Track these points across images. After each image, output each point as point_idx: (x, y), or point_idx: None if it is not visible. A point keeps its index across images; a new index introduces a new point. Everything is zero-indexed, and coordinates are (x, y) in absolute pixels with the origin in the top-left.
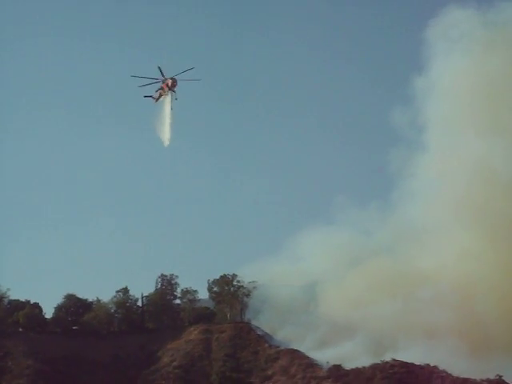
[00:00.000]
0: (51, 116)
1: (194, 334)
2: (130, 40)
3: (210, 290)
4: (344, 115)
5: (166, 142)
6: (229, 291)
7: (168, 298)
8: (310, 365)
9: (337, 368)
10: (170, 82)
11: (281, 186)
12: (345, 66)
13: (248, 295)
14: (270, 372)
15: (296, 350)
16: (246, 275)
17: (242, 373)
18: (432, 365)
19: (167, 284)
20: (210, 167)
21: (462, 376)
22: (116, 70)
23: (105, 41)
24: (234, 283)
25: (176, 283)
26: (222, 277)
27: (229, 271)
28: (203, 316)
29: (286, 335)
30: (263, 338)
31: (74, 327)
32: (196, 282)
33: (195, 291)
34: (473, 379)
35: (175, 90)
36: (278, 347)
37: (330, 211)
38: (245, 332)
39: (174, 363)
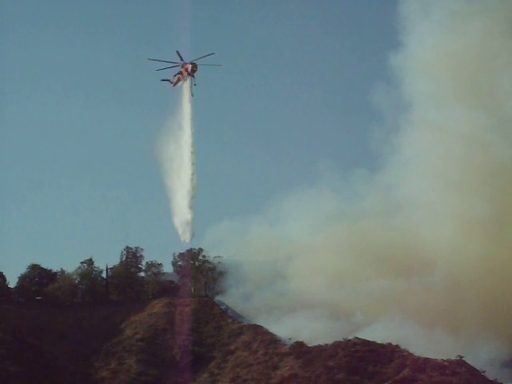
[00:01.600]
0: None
1: (157, 307)
2: (145, 24)
3: (174, 263)
4: (326, 89)
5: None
6: (194, 265)
7: (132, 270)
8: (273, 341)
9: (299, 345)
10: (189, 67)
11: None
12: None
13: (213, 270)
14: (232, 347)
15: (259, 326)
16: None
17: (205, 347)
18: (394, 344)
19: (132, 256)
20: None
21: (423, 356)
22: (132, 54)
23: (120, 25)
24: (200, 258)
25: (141, 256)
26: (187, 251)
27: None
28: (167, 289)
29: (251, 311)
30: (227, 313)
31: (38, 297)
32: (161, 255)
33: (160, 264)
34: (434, 359)
35: (195, 75)
36: (242, 323)
37: (314, 175)
38: (208, 307)
39: (137, 336)
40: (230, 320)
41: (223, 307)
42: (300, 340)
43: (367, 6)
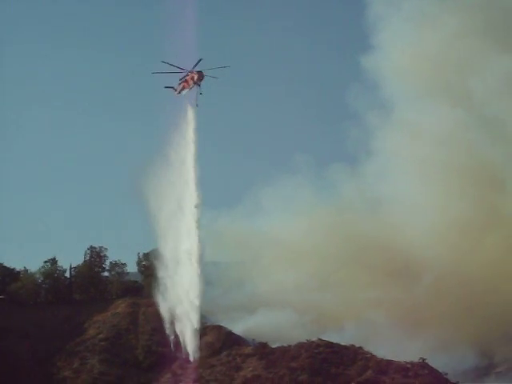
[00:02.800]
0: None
1: (121, 307)
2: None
3: (139, 263)
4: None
5: None
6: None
7: (96, 270)
8: (237, 342)
9: (262, 346)
10: (195, 76)
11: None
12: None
13: None
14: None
15: (223, 327)
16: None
17: (168, 347)
18: (357, 346)
19: (96, 256)
20: None
21: (386, 358)
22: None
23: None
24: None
25: (105, 256)
26: (152, 251)
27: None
28: (131, 289)
29: (216, 311)
30: None
31: (1, 296)
32: (125, 255)
33: (124, 264)
34: (397, 361)
35: (200, 84)
36: (205, 323)
37: (292, 169)
38: None
39: (100, 335)
40: None
41: None
42: (263, 341)
43: (336, 9)
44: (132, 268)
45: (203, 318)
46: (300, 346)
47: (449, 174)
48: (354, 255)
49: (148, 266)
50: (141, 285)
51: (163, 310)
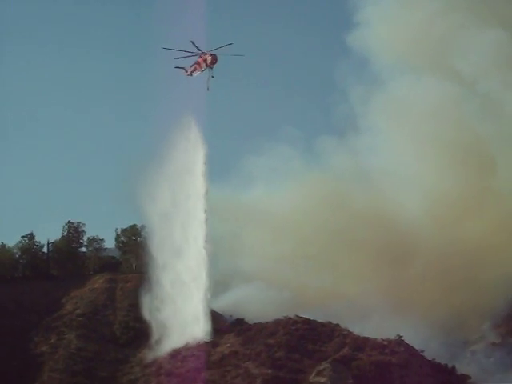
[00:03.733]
0: None
1: (98, 282)
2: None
3: (117, 239)
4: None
5: None
6: (136, 241)
7: (74, 245)
8: (214, 318)
9: (239, 322)
10: (208, 58)
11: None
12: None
13: None
14: None
15: None
16: None
17: (145, 323)
18: (334, 322)
19: (74, 231)
20: None
21: (363, 335)
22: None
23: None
24: (143, 234)
25: (83, 231)
26: (131, 226)
27: None
28: (109, 265)
29: None
30: None
31: None
32: (103, 230)
33: (102, 240)
34: (373, 338)
35: (213, 67)
36: None
37: (280, 141)
38: None
39: (78, 311)
40: None
41: None
42: (241, 317)
43: None
44: (110, 244)
45: None
46: (277, 322)
47: (439, 149)
48: (342, 228)
49: (126, 242)
50: (118, 261)
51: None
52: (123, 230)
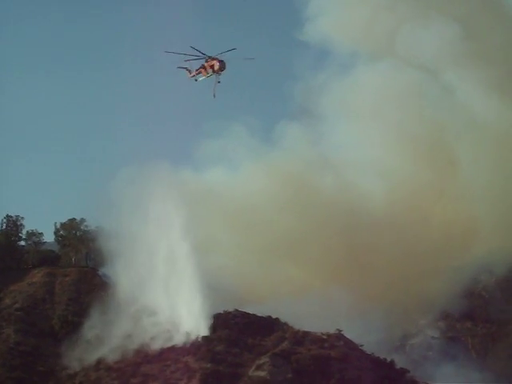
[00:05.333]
0: None
1: (37, 276)
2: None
3: (56, 233)
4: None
5: None
6: (75, 235)
7: (13, 239)
8: (154, 312)
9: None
10: (216, 65)
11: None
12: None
13: (94, 240)
14: (112, 317)
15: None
16: None
17: (85, 317)
18: (274, 317)
19: (12, 225)
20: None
21: (303, 329)
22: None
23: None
24: (82, 228)
25: (21, 225)
26: (69, 220)
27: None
28: (48, 259)
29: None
30: (108, 284)
31: None
32: (42, 224)
33: (41, 234)
34: (313, 332)
35: (221, 74)
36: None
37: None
38: (89, 277)
39: (16, 305)
40: (110, 290)
41: (105, 278)
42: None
43: None
44: (49, 237)
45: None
46: (217, 316)
47: (402, 134)
48: (303, 211)
49: (65, 236)
50: (58, 254)
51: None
52: (62, 224)
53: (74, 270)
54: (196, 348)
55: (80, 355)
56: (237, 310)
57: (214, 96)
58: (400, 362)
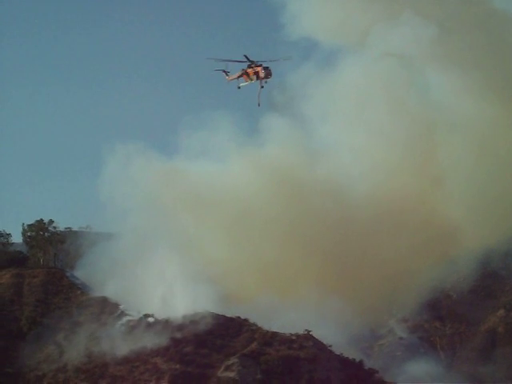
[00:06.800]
0: None
1: (5, 277)
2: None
3: (24, 234)
4: None
5: None
6: (43, 236)
7: None
8: (122, 313)
9: (147, 317)
10: (262, 73)
11: None
12: None
13: (63, 242)
14: (80, 319)
15: (108, 298)
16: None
17: (53, 319)
18: (243, 318)
19: None
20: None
21: (272, 330)
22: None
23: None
24: (50, 229)
25: None
26: (37, 221)
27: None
28: (15, 260)
29: (102, 283)
30: (76, 285)
31: None
32: (10, 225)
33: (8, 234)
34: (282, 333)
35: (267, 81)
36: (90, 294)
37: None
38: (57, 278)
39: None
40: (79, 292)
41: (73, 279)
42: (149, 313)
43: None
44: (17, 238)
45: (89, 289)
46: (185, 317)
47: (384, 124)
48: (290, 204)
49: (33, 237)
50: (26, 255)
51: None
52: (30, 225)
53: (42, 271)
54: (165, 349)
55: (48, 356)
56: (206, 311)
57: (259, 105)
58: (369, 362)
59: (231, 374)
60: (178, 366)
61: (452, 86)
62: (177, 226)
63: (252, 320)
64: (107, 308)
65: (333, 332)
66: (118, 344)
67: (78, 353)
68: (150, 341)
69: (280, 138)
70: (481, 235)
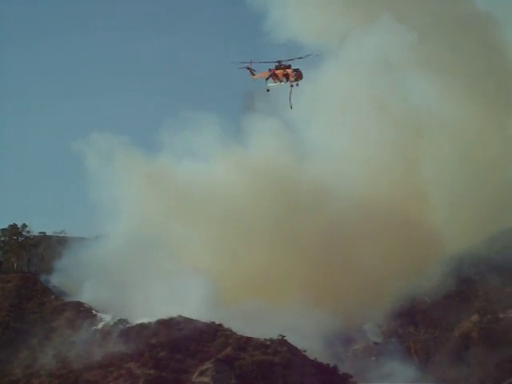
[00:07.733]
0: None
1: None
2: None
3: None
4: None
5: None
6: (17, 241)
7: None
8: (96, 318)
9: (122, 322)
10: (292, 74)
11: None
12: None
13: (36, 246)
14: (54, 324)
15: (82, 303)
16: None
17: (26, 323)
18: (217, 323)
19: None
20: None
21: (246, 335)
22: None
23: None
24: (23, 233)
25: None
26: (10, 226)
27: None
28: None
29: (76, 288)
30: (50, 290)
31: None
32: None
33: None
34: (256, 338)
35: (298, 83)
36: (65, 299)
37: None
38: (31, 283)
39: None
40: (53, 297)
41: (47, 284)
42: (123, 318)
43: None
44: None
45: (63, 294)
46: (159, 322)
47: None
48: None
49: (7, 242)
50: None
51: None
52: (3, 230)
53: (15, 276)
54: (139, 354)
55: (22, 362)
56: (180, 316)
57: (291, 107)
58: (343, 367)
59: (205, 379)
60: (152, 371)
61: (434, 88)
62: (160, 228)
63: (234, 324)
64: (81, 313)
65: (308, 337)
66: (92, 349)
67: (52, 358)
68: (125, 346)
69: (265, 140)
70: (455, 241)
